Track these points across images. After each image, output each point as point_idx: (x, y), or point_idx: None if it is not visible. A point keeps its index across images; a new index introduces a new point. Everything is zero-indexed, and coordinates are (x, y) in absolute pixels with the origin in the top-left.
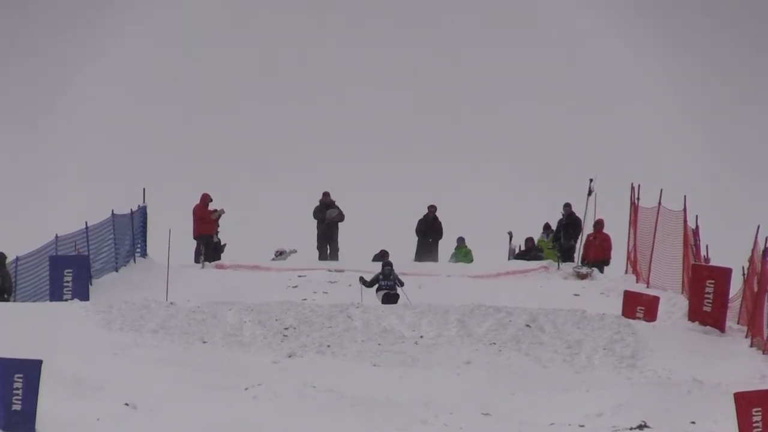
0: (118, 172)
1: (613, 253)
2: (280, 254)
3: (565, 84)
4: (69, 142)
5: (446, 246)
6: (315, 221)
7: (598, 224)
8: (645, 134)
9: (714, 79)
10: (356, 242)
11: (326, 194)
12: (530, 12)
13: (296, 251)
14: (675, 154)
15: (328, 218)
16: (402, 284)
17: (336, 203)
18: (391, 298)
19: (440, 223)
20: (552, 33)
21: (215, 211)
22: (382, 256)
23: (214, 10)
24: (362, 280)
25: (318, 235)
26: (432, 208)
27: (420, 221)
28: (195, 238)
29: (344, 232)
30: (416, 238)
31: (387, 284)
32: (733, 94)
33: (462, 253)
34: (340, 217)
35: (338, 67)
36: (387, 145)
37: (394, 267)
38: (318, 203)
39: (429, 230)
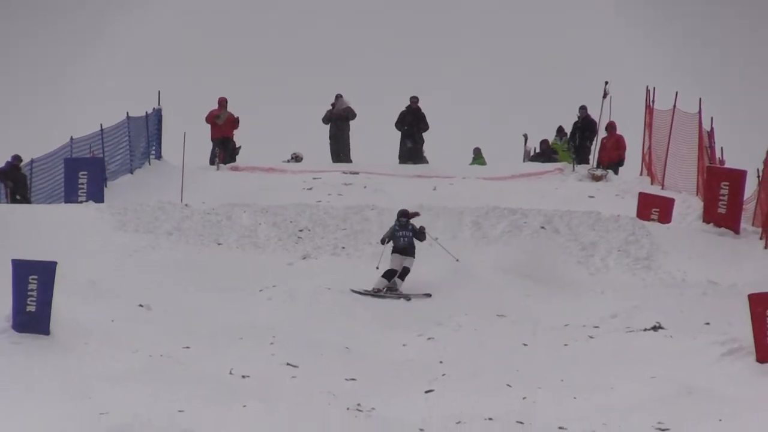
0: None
1: (627, 154)
2: (295, 158)
3: None
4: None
5: (435, 142)
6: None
7: (610, 126)
8: (661, 38)
9: None
10: (368, 145)
11: (338, 96)
12: None
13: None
14: (692, 57)
15: (338, 109)
16: (423, 237)
17: (348, 104)
18: (404, 250)
19: (423, 114)
20: None
21: (218, 116)
22: (403, 214)
23: None
24: (383, 242)
25: (330, 136)
26: (414, 99)
27: (402, 113)
28: (212, 140)
29: (356, 135)
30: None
31: (406, 235)
32: None
33: (479, 162)
34: (351, 113)
35: None
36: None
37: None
38: (330, 106)
39: (411, 122)
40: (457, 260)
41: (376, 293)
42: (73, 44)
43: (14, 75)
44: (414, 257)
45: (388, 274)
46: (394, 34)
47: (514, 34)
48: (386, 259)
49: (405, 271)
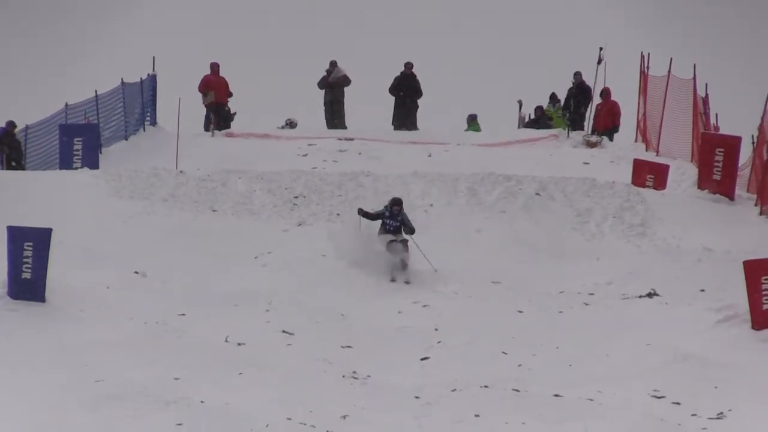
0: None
1: (621, 120)
2: (289, 124)
3: None
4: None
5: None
6: (322, 91)
7: (605, 93)
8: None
9: None
10: (363, 111)
11: (333, 63)
12: None
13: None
14: (684, 26)
15: (333, 78)
16: (412, 231)
17: (344, 72)
18: (396, 245)
19: (418, 81)
20: None
21: (206, 94)
22: (396, 203)
23: None
24: (361, 211)
25: (325, 102)
26: (408, 65)
27: (396, 78)
28: (206, 106)
29: (350, 101)
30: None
31: (393, 225)
32: None
33: (474, 129)
34: (346, 80)
35: None
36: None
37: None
38: (325, 73)
39: (406, 88)
40: (436, 270)
41: (395, 269)
42: (73, 44)
43: (14, 75)
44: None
45: (390, 247)
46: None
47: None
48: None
49: (404, 243)
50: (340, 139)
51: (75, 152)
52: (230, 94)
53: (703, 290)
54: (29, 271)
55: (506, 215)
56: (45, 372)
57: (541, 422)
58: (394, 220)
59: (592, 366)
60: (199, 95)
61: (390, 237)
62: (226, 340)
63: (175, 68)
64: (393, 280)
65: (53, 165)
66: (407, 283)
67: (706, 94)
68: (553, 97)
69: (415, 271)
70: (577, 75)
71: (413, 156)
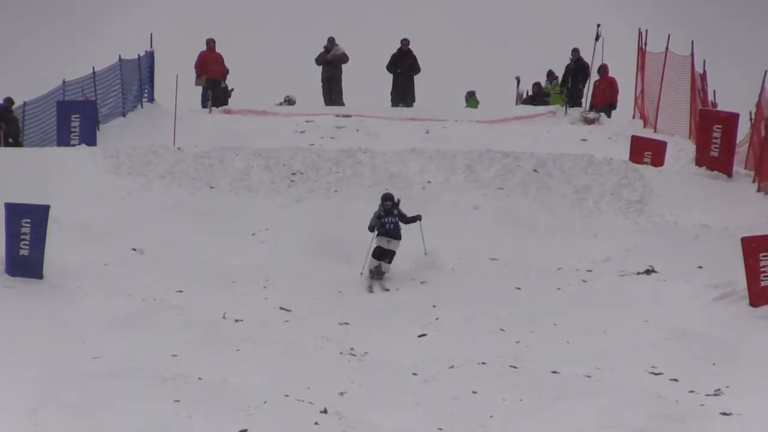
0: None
1: (619, 97)
2: (288, 101)
3: None
4: None
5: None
6: (320, 68)
7: (602, 69)
8: None
9: None
10: (361, 88)
11: (331, 40)
12: None
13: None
14: (682, 2)
15: (331, 55)
16: (409, 220)
17: (342, 49)
18: (390, 233)
19: (414, 57)
20: None
21: (200, 77)
22: (387, 198)
23: None
24: (372, 229)
25: (323, 79)
26: (405, 42)
27: (393, 56)
28: (197, 83)
29: (348, 77)
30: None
31: (391, 221)
32: None
33: (471, 105)
34: (344, 57)
35: None
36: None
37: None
38: (323, 50)
39: (402, 65)
40: (426, 253)
41: (372, 276)
42: (73, 44)
43: (14, 75)
44: (400, 240)
45: (376, 253)
46: None
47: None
48: (371, 262)
49: (390, 254)
50: (337, 116)
51: (73, 129)
52: (226, 71)
53: (701, 267)
54: (27, 247)
55: (504, 192)
56: (42, 348)
57: (538, 399)
58: (390, 216)
59: (590, 343)
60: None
61: (385, 238)
62: (224, 317)
63: (172, 45)
64: (371, 290)
65: (51, 142)
66: (386, 290)
67: (704, 71)
68: (551, 74)
69: (411, 248)
70: (575, 52)
71: (411, 133)
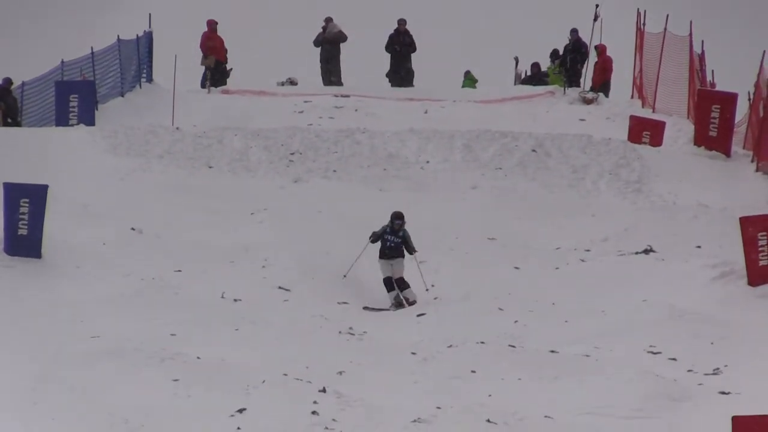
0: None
1: (617, 77)
2: (290, 82)
3: None
4: None
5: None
6: (318, 49)
7: (599, 49)
8: None
9: None
10: (360, 68)
11: (328, 19)
12: None
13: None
14: None
15: (329, 34)
16: (412, 251)
17: (340, 28)
18: (390, 251)
19: (411, 37)
20: None
21: (206, 57)
22: (397, 217)
23: None
24: (373, 235)
25: (321, 59)
26: (402, 22)
27: (390, 36)
28: (203, 63)
29: (346, 58)
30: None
31: (393, 241)
32: None
33: (469, 85)
34: (342, 36)
35: None
36: None
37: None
38: (320, 29)
39: (400, 45)
40: (427, 290)
41: (397, 308)
42: (73, 44)
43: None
44: (403, 257)
45: (387, 283)
46: None
47: None
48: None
49: (403, 282)
50: (336, 96)
51: (71, 109)
52: (226, 52)
53: (699, 247)
54: (25, 227)
55: (502, 172)
56: (41, 328)
57: (537, 378)
58: (395, 236)
59: (588, 322)
60: (198, 53)
61: (386, 263)
62: (222, 297)
63: (171, 25)
64: (399, 305)
65: (49, 122)
66: (414, 302)
67: (703, 51)
68: (555, 54)
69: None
70: (574, 32)
71: (409, 113)
